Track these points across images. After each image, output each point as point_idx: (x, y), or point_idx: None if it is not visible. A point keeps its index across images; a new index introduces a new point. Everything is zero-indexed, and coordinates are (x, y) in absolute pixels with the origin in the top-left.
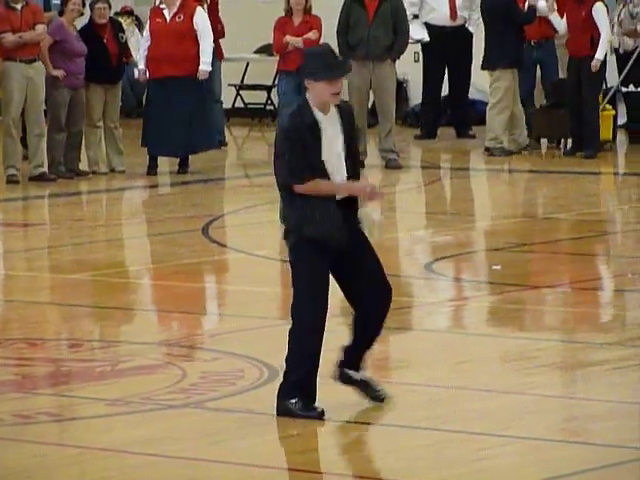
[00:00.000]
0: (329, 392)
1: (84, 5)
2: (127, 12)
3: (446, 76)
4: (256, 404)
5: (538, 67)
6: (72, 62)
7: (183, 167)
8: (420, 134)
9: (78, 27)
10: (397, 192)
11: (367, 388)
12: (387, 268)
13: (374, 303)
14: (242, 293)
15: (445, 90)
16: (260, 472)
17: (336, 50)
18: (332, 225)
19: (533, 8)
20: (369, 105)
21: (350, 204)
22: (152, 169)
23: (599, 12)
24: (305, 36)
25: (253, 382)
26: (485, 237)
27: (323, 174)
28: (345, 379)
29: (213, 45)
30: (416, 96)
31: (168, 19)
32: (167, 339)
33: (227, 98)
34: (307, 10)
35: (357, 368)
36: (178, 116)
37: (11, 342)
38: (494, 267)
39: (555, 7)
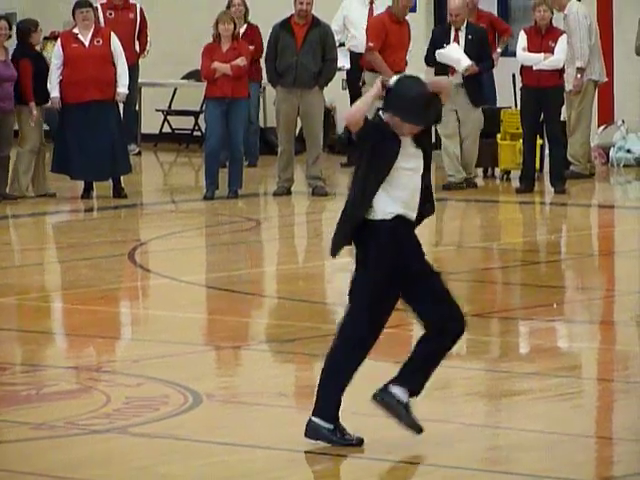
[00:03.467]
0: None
1: (11, 28)
2: (54, 37)
3: None
4: (180, 430)
5: None
6: None
7: (119, 190)
8: (347, 162)
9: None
10: (323, 219)
11: (407, 413)
12: (313, 295)
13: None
14: (167, 318)
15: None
16: None
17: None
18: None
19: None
20: (297, 132)
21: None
22: (87, 192)
23: (563, 42)
24: (233, 63)
25: (177, 408)
26: None
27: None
28: (385, 397)
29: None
30: (343, 123)
31: (87, 44)
32: (91, 364)
33: (154, 123)
34: (235, 36)
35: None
36: (102, 140)
37: None
38: None
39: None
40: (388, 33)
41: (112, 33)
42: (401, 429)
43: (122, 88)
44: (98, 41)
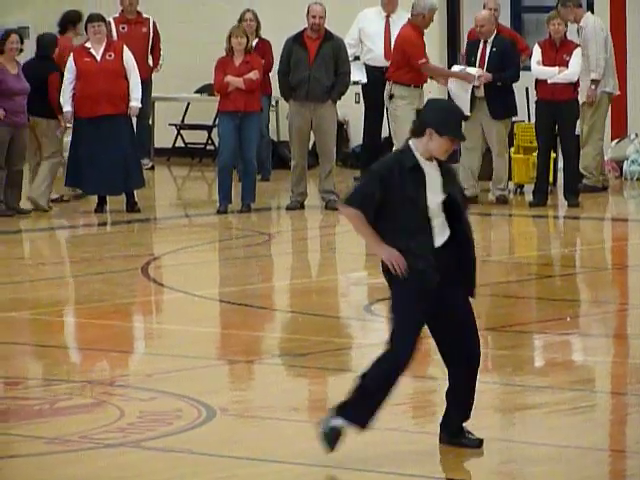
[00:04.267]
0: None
1: (22, 42)
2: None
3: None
4: (193, 444)
5: None
6: (10, 100)
7: (132, 205)
8: (360, 175)
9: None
10: (336, 233)
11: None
12: (326, 309)
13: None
14: (180, 333)
15: (386, 131)
16: None
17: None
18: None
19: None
20: (310, 146)
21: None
22: (100, 206)
23: (577, 55)
24: (246, 76)
25: (191, 422)
26: None
27: (425, 218)
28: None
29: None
30: (357, 137)
31: (98, 58)
32: (105, 378)
33: (167, 137)
34: (248, 50)
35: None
36: (114, 154)
37: None
38: None
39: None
40: None
41: (125, 47)
42: (414, 443)
43: (135, 102)
44: (110, 55)
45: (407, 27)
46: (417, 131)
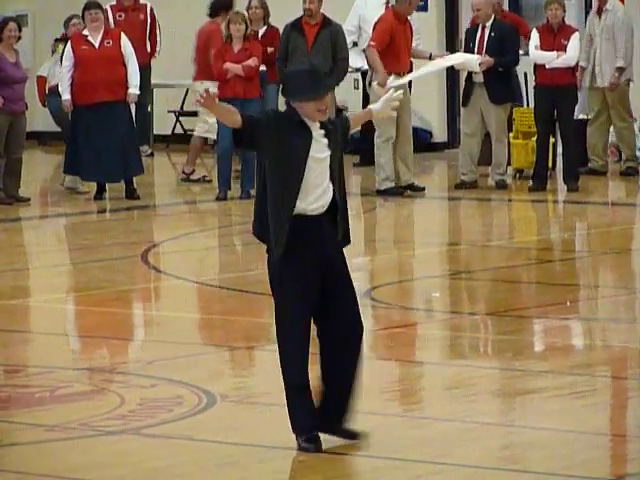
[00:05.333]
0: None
1: (20, 30)
2: (66, 39)
3: None
4: (194, 430)
5: None
6: (9, 88)
7: (131, 192)
8: (359, 161)
9: None
10: None
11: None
12: None
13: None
14: (180, 320)
15: None
16: None
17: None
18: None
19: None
20: None
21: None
22: (99, 193)
23: (575, 39)
24: (245, 63)
25: (191, 409)
26: (424, 264)
27: (300, 175)
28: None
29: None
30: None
31: (97, 45)
32: (105, 365)
33: (166, 125)
34: (247, 37)
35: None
36: (113, 141)
37: None
38: (433, 294)
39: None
40: (394, 33)
41: (122, 34)
42: (415, 428)
43: (133, 89)
44: (108, 42)
45: (387, 13)
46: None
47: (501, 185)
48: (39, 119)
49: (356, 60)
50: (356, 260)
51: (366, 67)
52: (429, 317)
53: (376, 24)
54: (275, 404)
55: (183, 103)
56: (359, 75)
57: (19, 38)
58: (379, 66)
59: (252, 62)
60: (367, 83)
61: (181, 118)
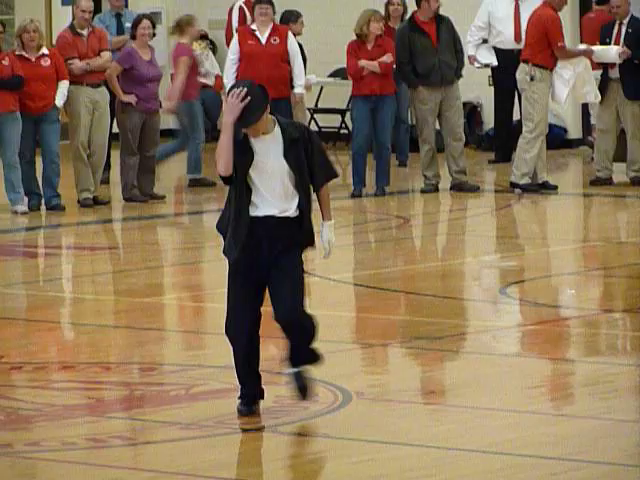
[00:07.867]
0: (399, 415)
1: (154, 27)
2: (202, 36)
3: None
4: (330, 428)
5: None
6: (143, 87)
7: None
8: (494, 158)
9: None
10: (468, 217)
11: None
12: (460, 292)
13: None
14: (316, 317)
15: (518, 113)
16: None
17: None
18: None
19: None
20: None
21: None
22: None
23: None
24: (380, 60)
25: (327, 406)
26: (560, 261)
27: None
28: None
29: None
30: (490, 120)
31: (263, 41)
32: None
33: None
34: (380, 34)
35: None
36: None
37: (85, 366)
38: (569, 291)
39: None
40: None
41: (289, 32)
42: (553, 425)
43: (299, 89)
44: (275, 39)
45: (546, 7)
46: None
47: (636, 182)
48: (173, 116)
49: (486, 56)
50: (489, 257)
51: (496, 63)
52: (565, 314)
53: (547, 22)
54: (410, 402)
55: (317, 100)
56: (490, 71)
57: (154, 35)
58: (579, 51)
59: (387, 58)
60: (524, 79)
61: (315, 115)
